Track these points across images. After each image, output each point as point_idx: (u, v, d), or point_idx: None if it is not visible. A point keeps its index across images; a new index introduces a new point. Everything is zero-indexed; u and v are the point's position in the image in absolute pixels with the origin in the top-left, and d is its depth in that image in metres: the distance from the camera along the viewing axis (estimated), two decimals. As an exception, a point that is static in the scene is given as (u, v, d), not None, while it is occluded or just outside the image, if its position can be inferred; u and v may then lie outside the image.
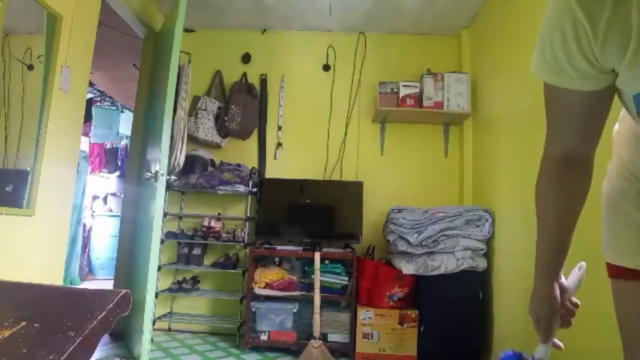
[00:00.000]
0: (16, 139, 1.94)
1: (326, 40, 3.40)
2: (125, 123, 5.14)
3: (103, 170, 5.49)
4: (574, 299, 0.92)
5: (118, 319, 0.76)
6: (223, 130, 3.19)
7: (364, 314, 2.58)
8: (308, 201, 3.00)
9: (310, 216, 3.01)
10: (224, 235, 3.04)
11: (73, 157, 2.23)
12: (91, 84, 4.33)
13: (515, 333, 2.24)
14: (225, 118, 3.16)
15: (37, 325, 0.70)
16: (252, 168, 3.11)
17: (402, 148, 3.25)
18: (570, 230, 0.86)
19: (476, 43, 3.07)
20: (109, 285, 4.17)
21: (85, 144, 5.06)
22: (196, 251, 3.07)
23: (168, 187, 2.81)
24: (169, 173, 2.70)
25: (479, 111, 2.93)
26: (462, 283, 2.47)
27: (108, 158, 5.50)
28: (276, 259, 2.90)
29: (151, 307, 2.24)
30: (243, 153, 3.30)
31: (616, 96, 0.71)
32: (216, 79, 3.35)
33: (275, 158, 3.29)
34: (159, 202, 2.26)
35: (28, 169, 1.91)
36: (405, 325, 2.56)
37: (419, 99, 2.96)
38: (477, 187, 2.96)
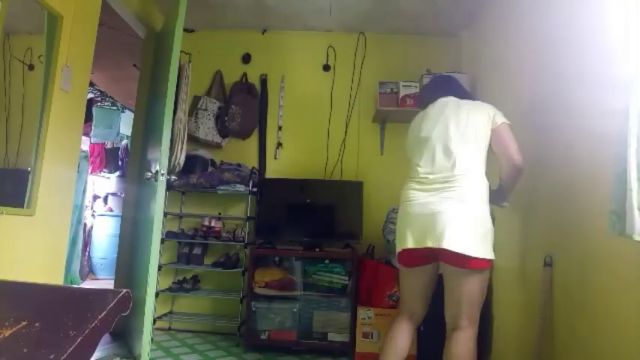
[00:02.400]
0: (18, 139, 1.95)
1: (326, 40, 3.40)
2: (125, 123, 5.14)
3: (104, 170, 5.49)
4: None
5: (119, 318, 0.76)
6: (223, 130, 3.19)
7: (364, 314, 2.58)
8: (308, 201, 3.01)
9: (310, 216, 3.02)
10: (224, 234, 3.05)
11: (74, 156, 2.24)
12: (91, 84, 4.33)
13: (514, 332, 2.24)
14: (226, 118, 3.16)
15: (37, 324, 0.71)
16: (253, 168, 3.11)
17: (402, 148, 3.23)
18: None
19: (476, 43, 3.07)
20: (109, 284, 4.17)
21: (85, 144, 5.06)
22: (197, 251, 3.08)
23: (169, 186, 2.82)
24: (170, 173, 2.70)
25: (479, 111, 2.93)
26: (461, 283, 2.47)
27: (108, 158, 5.50)
28: (276, 259, 2.90)
29: (151, 307, 2.24)
30: (243, 153, 3.30)
31: None
32: (217, 79, 3.35)
33: (275, 158, 3.29)
34: (159, 201, 2.26)
35: (29, 168, 1.91)
36: (404, 325, 2.56)
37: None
38: (476, 187, 2.96)
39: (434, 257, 1.58)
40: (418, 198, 1.63)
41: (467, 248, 1.51)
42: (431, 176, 1.62)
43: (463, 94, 1.79)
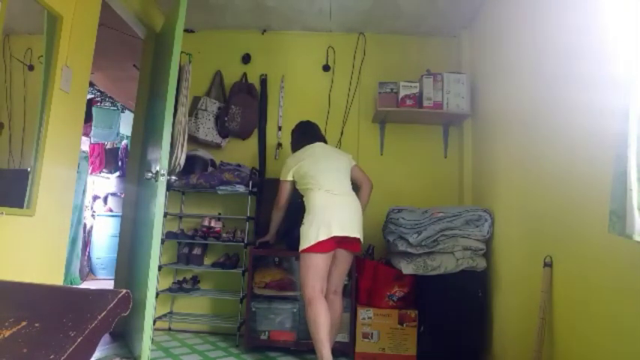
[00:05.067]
0: (20, 139, 1.95)
1: (326, 41, 3.40)
2: (125, 123, 5.14)
3: (104, 170, 5.49)
4: None
5: (119, 318, 0.76)
6: (223, 131, 3.19)
7: (364, 314, 2.58)
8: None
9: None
10: (224, 235, 3.04)
11: (74, 157, 2.24)
12: (91, 84, 4.33)
13: (514, 332, 2.24)
14: (226, 119, 3.16)
15: (37, 324, 0.71)
16: (253, 168, 3.11)
17: (402, 149, 3.25)
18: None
19: (475, 43, 3.07)
20: (109, 285, 4.17)
21: (85, 144, 5.07)
22: (197, 251, 3.08)
23: (169, 187, 2.81)
24: (170, 173, 2.70)
25: (478, 111, 2.93)
26: (461, 283, 2.48)
27: (108, 158, 5.50)
28: (276, 259, 2.90)
29: (151, 307, 2.24)
30: (243, 153, 3.30)
31: None
32: (217, 79, 3.35)
33: (275, 158, 3.29)
34: (159, 202, 2.25)
35: (29, 169, 1.91)
36: (404, 325, 2.57)
37: (418, 99, 2.96)
38: (476, 187, 2.96)
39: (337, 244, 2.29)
40: (327, 205, 2.31)
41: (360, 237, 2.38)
42: (334, 193, 2.35)
43: (323, 138, 2.72)
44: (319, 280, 2.25)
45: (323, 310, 2.21)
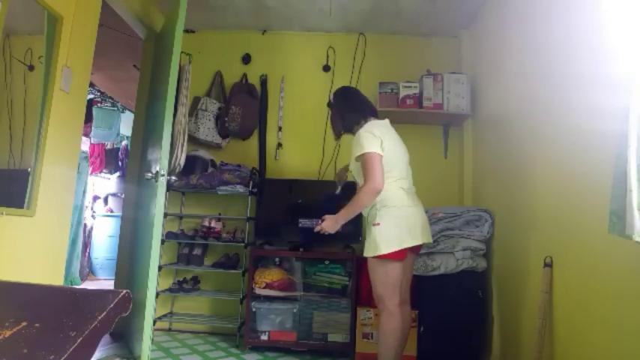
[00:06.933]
0: (20, 140, 1.95)
1: (326, 41, 3.40)
2: (126, 123, 5.15)
3: (104, 171, 5.49)
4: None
5: (119, 319, 0.76)
6: (224, 131, 3.19)
7: (364, 314, 2.58)
8: (308, 201, 3.00)
9: (310, 216, 3.01)
10: (224, 235, 3.04)
11: (74, 157, 2.24)
12: (91, 84, 4.33)
13: (514, 332, 2.24)
14: (226, 119, 3.16)
15: (37, 325, 0.71)
16: (253, 168, 3.11)
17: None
18: None
19: (475, 44, 3.07)
20: (109, 285, 4.17)
21: (85, 144, 5.07)
22: (197, 251, 3.08)
23: (169, 187, 2.81)
24: (170, 174, 2.70)
25: (478, 112, 2.93)
26: (461, 284, 2.47)
27: (108, 159, 5.50)
28: (276, 259, 2.90)
29: (151, 307, 2.24)
30: (243, 153, 3.30)
31: None
32: (217, 79, 3.36)
33: (275, 159, 3.29)
34: (159, 202, 2.26)
35: (29, 169, 1.91)
36: (404, 325, 2.56)
37: (419, 99, 2.96)
38: (476, 187, 2.96)
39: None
40: (410, 204, 2.00)
41: None
42: (410, 191, 2.05)
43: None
44: (398, 290, 1.96)
45: (401, 326, 1.95)
